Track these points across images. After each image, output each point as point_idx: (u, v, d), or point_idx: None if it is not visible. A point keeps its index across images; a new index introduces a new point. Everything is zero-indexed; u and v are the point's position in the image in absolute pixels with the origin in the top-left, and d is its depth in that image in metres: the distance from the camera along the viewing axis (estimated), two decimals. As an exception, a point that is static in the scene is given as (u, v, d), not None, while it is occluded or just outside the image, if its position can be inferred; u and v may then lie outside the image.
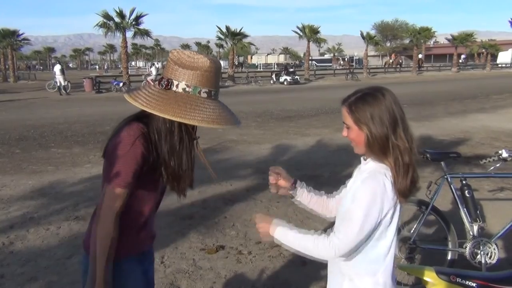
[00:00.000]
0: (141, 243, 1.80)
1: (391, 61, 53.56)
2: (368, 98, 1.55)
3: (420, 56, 47.97)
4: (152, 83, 1.64)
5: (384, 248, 1.61)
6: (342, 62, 55.52)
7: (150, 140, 1.62)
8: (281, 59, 76.70)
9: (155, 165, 1.64)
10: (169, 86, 1.61)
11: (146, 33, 29.27)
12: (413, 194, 1.60)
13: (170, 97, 1.58)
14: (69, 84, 24.72)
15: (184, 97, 1.59)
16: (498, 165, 3.50)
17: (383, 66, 51.64)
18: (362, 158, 1.68)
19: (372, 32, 50.76)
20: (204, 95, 1.61)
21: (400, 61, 56.20)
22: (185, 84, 1.60)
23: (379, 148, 1.54)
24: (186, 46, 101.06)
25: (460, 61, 51.83)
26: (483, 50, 55.17)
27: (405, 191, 1.53)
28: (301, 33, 37.56)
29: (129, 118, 1.68)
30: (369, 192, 1.51)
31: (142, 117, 1.65)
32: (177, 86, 1.60)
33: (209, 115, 1.59)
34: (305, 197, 1.86)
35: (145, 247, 1.83)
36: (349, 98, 1.60)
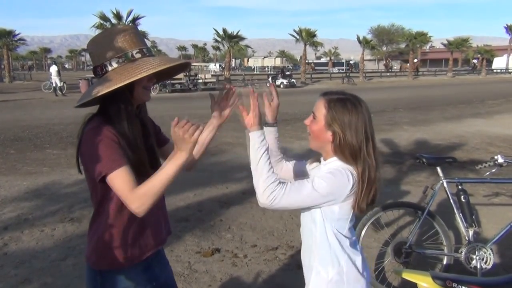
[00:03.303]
0: (142, 249, 1.74)
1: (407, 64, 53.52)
2: (349, 105, 1.59)
3: (415, 60, 48.17)
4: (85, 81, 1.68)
5: (344, 239, 1.65)
6: (312, 65, 55.33)
7: (111, 124, 1.59)
8: (278, 62, 76.83)
9: (125, 150, 1.59)
10: (104, 70, 1.63)
11: (142, 35, 29.26)
12: (370, 209, 1.68)
13: (110, 75, 1.60)
14: (64, 85, 24.62)
15: (124, 67, 1.60)
16: (493, 170, 3.51)
17: (384, 70, 51.84)
18: (321, 159, 1.72)
19: (369, 37, 50.99)
20: (138, 55, 1.63)
21: (391, 65, 56.78)
22: (116, 57, 1.61)
23: (350, 153, 1.58)
24: (182, 48, 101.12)
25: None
26: (478, 55, 55.49)
27: (363, 205, 1.59)
28: (297, 37, 37.65)
29: (87, 119, 1.66)
30: (336, 180, 1.54)
31: (95, 115, 1.66)
32: (110, 64, 1.62)
33: (149, 66, 1.58)
34: (271, 139, 1.84)
35: (149, 252, 1.77)
36: (331, 94, 1.64)
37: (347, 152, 1.57)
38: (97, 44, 1.66)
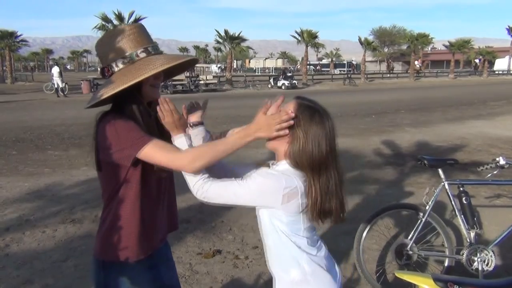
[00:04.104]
0: (150, 244, 1.75)
1: (417, 65, 53.35)
2: (317, 116, 1.57)
3: (416, 64, 48.13)
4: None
5: (300, 239, 1.62)
6: (299, 66, 55.28)
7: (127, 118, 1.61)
8: (279, 63, 76.85)
9: None
10: (110, 71, 1.64)
11: (145, 36, 29.29)
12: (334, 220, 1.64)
13: (115, 76, 1.62)
14: (66, 86, 24.65)
15: (128, 68, 1.61)
16: (495, 172, 3.51)
17: (385, 71, 51.87)
18: (270, 163, 1.70)
19: (370, 38, 50.95)
20: (143, 55, 1.64)
21: (392, 66, 56.95)
22: (121, 58, 1.62)
23: (308, 162, 1.54)
24: (184, 49, 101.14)
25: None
26: (480, 56, 55.41)
27: (315, 215, 1.57)
28: (299, 38, 37.61)
29: (99, 117, 1.67)
30: (265, 182, 1.53)
31: (108, 112, 1.67)
32: (116, 65, 1.63)
33: (152, 66, 1.59)
34: (199, 141, 1.72)
35: (154, 248, 1.79)
36: (304, 100, 1.62)
37: (304, 159, 1.54)
38: (103, 46, 1.67)
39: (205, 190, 1.55)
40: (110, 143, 1.58)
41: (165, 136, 1.66)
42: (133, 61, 1.62)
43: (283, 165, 1.61)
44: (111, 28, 27.59)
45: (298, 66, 51.77)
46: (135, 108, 1.63)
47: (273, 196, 1.53)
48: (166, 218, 1.86)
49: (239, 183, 1.55)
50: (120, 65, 1.63)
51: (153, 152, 1.55)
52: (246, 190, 1.54)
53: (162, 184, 1.78)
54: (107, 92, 1.57)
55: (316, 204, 1.55)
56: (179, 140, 1.61)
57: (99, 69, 1.76)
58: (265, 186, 1.54)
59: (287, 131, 1.56)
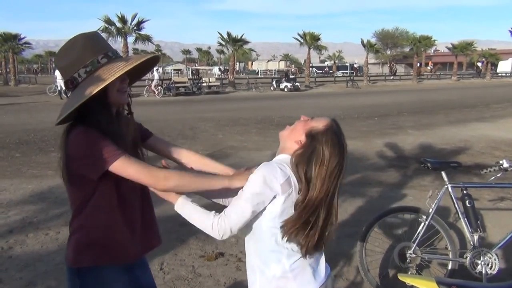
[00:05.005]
0: (129, 253, 1.75)
1: (429, 67, 53.25)
2: (340, 147, 1.60)
3: (428, 67, 48.35)
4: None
5: (278, 233, 1.61)
6: (293, 70, 55.15)
7: (95, 128, 1.61)
8: (282, 65, 76.85)
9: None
10: (74, 83, 1.62)
11: (147, 39, 29.38)
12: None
13: (81, 87, 1.60)
14: (69, 88, 24.72)
15: (91, 77, 1.60)
16: (498, 175, 3.50)
17: (388, 74, 51.90)
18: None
19: (373, 40, 50.92)
20: (104, 60, 1.62)
21: (395, 69, 57.03)
22: (83, 67, 1.60)
23: (308, 175, 1.56)
24: (187, 52, 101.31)
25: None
26: (483, 59, 55.29)
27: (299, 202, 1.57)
28: (302, 40, 37.68)
29: (67, 129, 1.66)
30: (258, 176, 1.56)
31: (75, 124, 1.66)
32: (79, 75, 1.61)
33: (115, 70, 1.58)
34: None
35: (134, 255, 1.78)
36: (338, 126, 1.66)
37: (309, 171, 1.56)
38: (62, 58, 1.65)
39: (226, 223, 1.59)
40: (80, 155, 1.57)
41: (131, 143, 1.70)
42: (96, 68, 1.60)
43: (284, 158, 1.64)
44: (114, 31, 27.68)
45: (293, 70, 51.40)
46: (102, 117, 1.61)
47: (273, 183, 1.54)
48: (153, 226, 1.86)
49: (243, 200, 1.58)
50: (83, 75, 1.60)
51: (124, 167, 1.55)
52: (250, 191, 1.57)
53: (137, 192, 1.77)
54: (77, 103, 1.55)
55: (300, 214, 1.56)
56: (176, 207, 1.69)
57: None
58: (262, 176, 1.55)
59: (304, 138, 1.61)
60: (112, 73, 1.56)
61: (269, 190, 1.55)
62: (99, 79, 1.56)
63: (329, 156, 1.56)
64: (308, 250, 1.60)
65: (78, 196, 1.69)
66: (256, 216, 1.61)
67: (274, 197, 1.56)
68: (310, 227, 1.57)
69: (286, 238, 1.58)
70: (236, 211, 1.58)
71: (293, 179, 1.57)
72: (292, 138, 1.65)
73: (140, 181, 1.58)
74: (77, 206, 1.70)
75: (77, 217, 1.72)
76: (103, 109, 1.62)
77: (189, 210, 1.66)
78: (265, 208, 1.59)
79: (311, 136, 1.60)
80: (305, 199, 1.56)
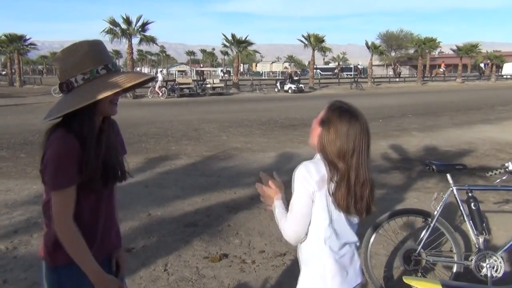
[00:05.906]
0: (95, 251, 1.76)
1: (441, 69, 53.08)
2: (347, 115, 1.70)
3: (441, 69, 48.39)
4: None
5: (322, 232, 1.72)
6: (289, 71, 55.13)
7: (74, 135, 1.63)
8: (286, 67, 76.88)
9: (81, 165, 1.64)
10: (70, 87, 1.64)
11: (151, 40, 29.44)
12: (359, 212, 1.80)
13: (76, 92, 1.63)
14: (74, 89, 24.80)
15: (88, 85, 1.62)
16: (504, 177, 3.48)
17: (392, 76, 51.90)
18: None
19: (377, 42, 50.89)
20: (103, 71, 1.64)
21: (399, 70, 57.07)
22: (81, 74, 1.62)
23: (335, 154, 1.68)
24: (191, 53, 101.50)
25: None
26: (488, 60, 55.05)
27: (341, 201, 1.69)
28: (306, 42, 37.65)
29: (50, 129, 1.71)
30: (296, 179, 1.71)
31: (58, 126, 1.69)
32: (76, 81, 1.63)
33: (114, 84, 1.62)
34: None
35: (98, 256, 1.78)
36: (337, 102, 1.79)
37: (332, 150, 1.68)
38: (62, 61, 1.67)
39: (288, 229, 1.74)
40: (49, 160, 1.61)
41: (112, 156, 1.73)
42: (94, 78, 1.62)
43: (316, 157, 1.77)
44: (119, 32, 27.78)
45: (290, 71, 51.02)
46: (86, 124, 1.64)
47: (305, 185, 1.67)
48: (108, 229, 1.88)
49: (291, 209, 1.73)
50: (80, 81, 1.62)
51: (58, 198, 1.62)
52: (296, 194, 1.71)
53: (102, 195, 1.80)
54: (68, 108, 1.58)
55: (339, 189, 1.67)
56: (278, 202, 1.84)
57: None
58: (299, 175, 1.69)
59: (317, 126, 1.75)
60: (109, 88, 1.60)
61: (308, 187, 1.68)
62: (94, 90, 1.59)
63: (340, 127, 1.67)
64: (365, 209, 1.80)
65: (48, 195, 1.71)
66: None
67: (313, 193, 1.68)
68: (347, 191, 1.69)
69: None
70: (292, 216, 1.73)
71: (327, 172, 1.68)
72: (314, 136, 1.77)
73: (54, 218, 1.64)
74: (45, 204, 1.73)
75: (45, 215, 1.75)
76: (88, 118, 1.65)
77: (277, 214, 1.82)
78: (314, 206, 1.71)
79: (322, 122, 1.73)
80: (337, 172, 1.68)
